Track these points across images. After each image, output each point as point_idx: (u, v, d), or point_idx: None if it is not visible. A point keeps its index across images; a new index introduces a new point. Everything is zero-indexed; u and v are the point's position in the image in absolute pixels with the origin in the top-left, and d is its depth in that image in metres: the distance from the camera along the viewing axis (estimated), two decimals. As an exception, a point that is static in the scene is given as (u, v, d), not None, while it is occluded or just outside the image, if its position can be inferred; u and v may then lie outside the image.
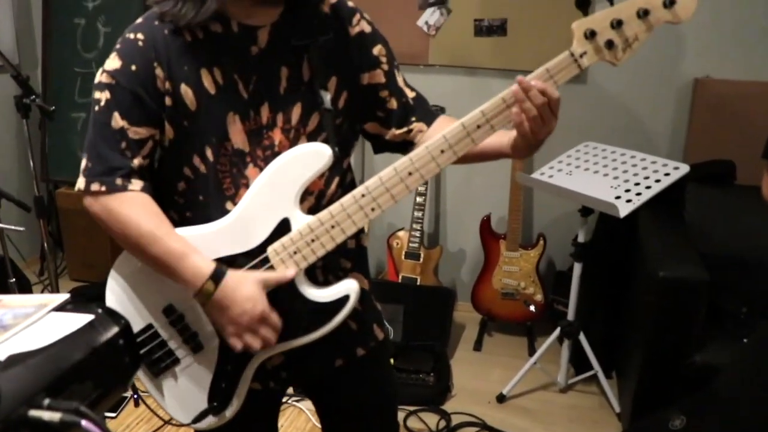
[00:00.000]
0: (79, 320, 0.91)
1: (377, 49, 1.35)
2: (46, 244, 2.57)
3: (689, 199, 2.81)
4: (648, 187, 2.41)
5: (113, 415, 2.58)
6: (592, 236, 3.08)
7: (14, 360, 0.80)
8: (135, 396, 2.62)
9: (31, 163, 2.48)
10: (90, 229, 3.55)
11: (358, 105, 1.35)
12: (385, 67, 1.36)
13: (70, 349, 0.86)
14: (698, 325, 2.29)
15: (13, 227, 2.20)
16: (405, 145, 1.42)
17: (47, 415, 0.75)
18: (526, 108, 1.15)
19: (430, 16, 3.24)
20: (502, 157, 1.32)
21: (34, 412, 0.76)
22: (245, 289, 1.18)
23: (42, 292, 3.42)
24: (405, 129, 1.40)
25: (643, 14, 1.15)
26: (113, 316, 0.94)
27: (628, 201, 2.36)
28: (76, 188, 1.25)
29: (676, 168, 2.45)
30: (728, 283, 2.60)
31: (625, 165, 2.58)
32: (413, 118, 1.39)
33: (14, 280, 2.59)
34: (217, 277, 1.18)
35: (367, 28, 1.35)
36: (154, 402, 1.34)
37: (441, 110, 3.23)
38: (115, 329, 0.92)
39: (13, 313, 0.95)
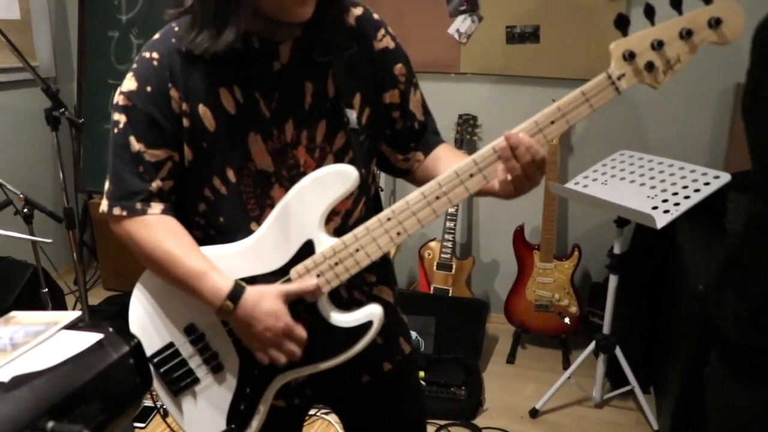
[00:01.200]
0: (88, 339, 0.89)
1: (398, 68, 1.30)
2: (75, 255, 2.58)
3: (732, 209, 2.70)
4: (687, 197, 2.32)
5: (142, 425, 2.58)
6: (629, 247, 3.00)
7: (19, 381, 0.78)
8: (163, 406, 2.62)
9: (61, 175, 2.50)
10: (123, 239, 3.58)
11: (378, 123, 1.31)
12: (402, 87, 1.31)
13: (77, 369, 0.84)
14: (741, 341, 2.19)
15: (41, 239, 2.21)
16: (403, 172, 1.40)
17: (49, 440, 0.73)
18: (510, 166, 1.12)
19: (462, 23, 3.19)
20: (490, 195, 1.26)
21: (36, 437, 0.73)
22: (266, 304, 1.16)
23: (75, 302, 3.45)
24: (403, 156, 1.37)
25: (686, 35, 1.08)
26: (124, 334, 0.91)
27: (666, 212, 2.28)
28: (100, 210, 1.24)
29: (717, 177, 2.36)
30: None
31: (663, 174, 2.50)
32: (413, 145, 1.36)
33: (46, 290, 2.61)
34: (235, 295, 1.16)
35: (391, 44, 1.29)
36: (172, 421, 1.33)
37: (473, 117, 3.18)
38: (125, 348, 0.90)
39: (25, 331, 0.93)
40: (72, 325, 0.94)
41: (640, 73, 1.11)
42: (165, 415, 2.60)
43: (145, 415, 2.63)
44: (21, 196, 2.42)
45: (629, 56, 1.10)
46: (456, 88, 3.31)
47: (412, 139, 1.36)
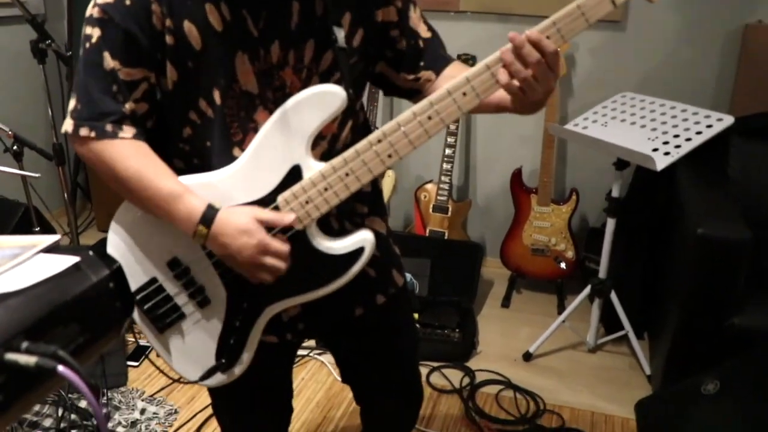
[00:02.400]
0: (66, 262, 0.86)
1: None
2: (65, 192, 2.54)
3: (734, 154, 2.65)
4: (688, 140, 2.28)
5: (135, 363, 2.59)
6: (628, 192, 2.96)
7: (-8, 300, 0.75)
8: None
9: (49, 111, 2.44)
10: (116, 180, 3.54)
11: (373, 44, 1.25)
12: (399, 3, 1.25)
13: (54, 290, 0.81)
14: (739, 287, 2.17)
15: (29, 173, 2.17)
16: (412, 93, 1.34)
17: (23, 359, 0.71)
18: (514, 70, 1.05)
19: (462, -41, 3.09)
20: (504, 111, 1.22)
21: (10, 356, 0.71)
22: (236, 221, 1.12)
23: (69, 243, 3.42)
24: (413, 76, 1.30)
25: None
26: (104, 257, 0.88)
27: (666, 153, 2.24)
28: (63, 130, 1.16)
29: (720, 120, 2.31)
30: (772, 242, 2.47)
31: (665, 116, 2.45)
32: (422, 64, 1.30)
33: (38, 228, 2.58)
34: (207, 218, 1.12)
35: None
36: (160, 362, 1.31)
37: (472, 58, 3.11)
38: (104, 272, 0.87)
39: (1, 253, 0.90)
40: (50, 249, 0.91)
41: None
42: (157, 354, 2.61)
43: (138, 353, 2.64)
44: (10, 132, 2.37)
45: None
46: (454, 27, 3.22)
47: (420, 58, 1.30)
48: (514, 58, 1.05)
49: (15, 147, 2.40)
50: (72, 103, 1.15)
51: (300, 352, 2.54)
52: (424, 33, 1.30)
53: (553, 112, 3.02)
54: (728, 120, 2.29)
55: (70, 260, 0.86)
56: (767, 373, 1.96)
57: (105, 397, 2.34)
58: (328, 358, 2.66)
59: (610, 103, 2.66)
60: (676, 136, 2.32)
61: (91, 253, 0.88)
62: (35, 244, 0.91)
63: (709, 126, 2.31)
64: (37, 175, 2.14)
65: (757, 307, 2.20)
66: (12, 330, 0.73)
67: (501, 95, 1.16)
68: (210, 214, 1.12)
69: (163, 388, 2.47)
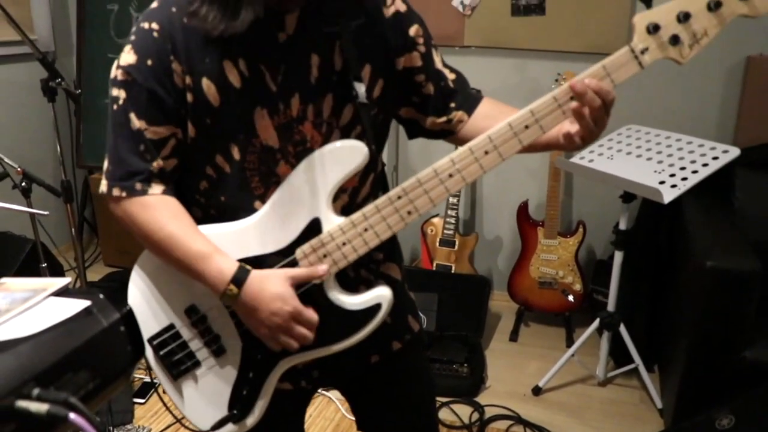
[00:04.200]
0: (77, 306, 0.86)
1: (414, 30, 1.24)
2: (73, 230, 2.55)
3: (739, 185, 2.66)
4: (694, 172, 2.28)
5: (142, 401, 2.57)
6: (635, 224, 2.96)
7: (2, 347, 0.75)
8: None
9: (58, 148, 2.46)
10: (123, 216, 3.56)
11: (395, 92, 1.25)
12: (422, 48, 1.25)
13: (65, 336, 0.81)
14: (749, 319, 2.16)
15: (37, 211, 2.18)
16: (444, 134, 1.33)
17: (34, 407, 0.70)
18: (580, 114, 1.08)
19: (466, -5, 3.13)
20: (551, 149, 1.23)
21: (21, 403, 0.71)
22: (271, 287, 1.11)
23: (76, 278, 3.43)
24: (444, 119, 1.29)
25: (715, 6, 1.04)
26: (114, 301, 0.88)
27: (673, 186, 2.24)
28: (100, 191, 1.19)
29: (725, 151, 2.32)
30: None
31: (670, 149, 2.45)
32: (453, 105, 1.29)
33: (45, 264, 2.58)
34: (239, 279, 1.12)
35: (403, 7, 1.23)
36: (169, 400, 1.29)
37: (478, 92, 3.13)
38: (115, 316, 0.86)
39: (12, 297, 0.90)
40: (61, 292, 0.91)
41: (664, 47, 1.07)
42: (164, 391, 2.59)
43: (145, 390, 2.62)
44: (19, 169, 2.38)
45: (653, 29, 1.06)
46: (459, 62, 3.20)
47: (451, 99, 1.29)
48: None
49: (24, 183, 2.41)
50: (105, 165, 1.17)
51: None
52: (450, 75, 1.30)
53: (559, 144, 3.03)
54: (734, 152, 2.30)
55: (81, 304, 0.86)
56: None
57: (111, 436, 2.32)
58: (335, 395, 2.64)
59: (615, 135, 2.68)
60: (683, 168, 2.32)
61: (101, 296, 0.88)
62: (45, 288, 0.91)
63: (715, 158, 2.31)
64: (45, 213, 2.15)
65: (766, 340, 2.18)
66: (23, 377, 0.73)
67: (547, 138, 1.17)
68: (242, 275, 1.12)
69: (169, 426, 2.45)
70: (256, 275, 1.12)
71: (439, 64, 1.28)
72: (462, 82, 1.32)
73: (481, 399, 2.67)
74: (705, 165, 2.30)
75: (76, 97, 2.33)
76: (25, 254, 2.74)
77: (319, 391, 2.65)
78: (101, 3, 3.68)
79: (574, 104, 1.07)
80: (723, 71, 2.91)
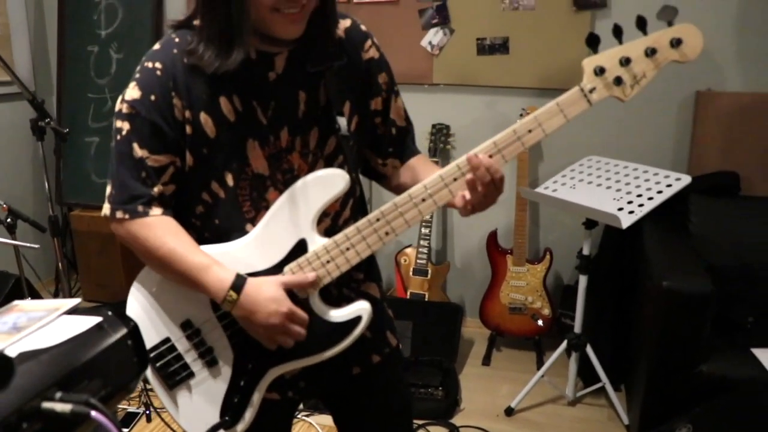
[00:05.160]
0: (89, 322, 0.95)
1: (382, 77, 1.38)
2: (60, 264, 2.62)
3: (694, 211, 2.83)
4: (650, 198, 2.44)
5: (126, 430, 2.62)
6: (599, 250, 3.11)
7: (26, 356, 0.84)
8: (147, 412, 2.66)
9: (46, 185, 2.55)
10: (103, 251, 3.62)
11: (365, 129, 1.39)
12: (384, 95, 1.39)
13: (80, 347, 0.90)
14: (704, 336, 2.30)
15: (27, 244, 2.26)
16: (380, 177, 1.48)
17: (59, 407, 0.79)
18: (473, 187, 1.22)
19: (434, 36, 3.31)
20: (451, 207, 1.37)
21: (46, 404, 0.79)
22: (266, 291, 1.22)
23: (56, 312, 3.47)
24: (382, 161, 1.45)
25: (651, 53, 1.19)
26: (122, 318, 0.98)
27: (631, 212, 2.39)
28: (102, 214, 1.29)
29: (678, 179, 2.48)
30: (735, 293, 2.61)
31: (628, 177, 2.62)
32: (390, 150, 1.44)
33: (29, 298, 2.64)
34: (237, 285, 1.22)
35: (376, 54, 1.38)
36: (168, 417, 1.37)
37: (446, 127, 3.28)
38: (123, 330, 0.96)
39: (28, 316, 0.99)
40: (72, 311, 1.00)
41: (609, 86, 1.21)
42: (149, 420, 2.65)
43: (129, 420, 2.67)
44: (4, 206, 2.46)
45: (600, 71, 1.21)
46: (429, 99, 3.41)
47: (391, 144, 1.44)
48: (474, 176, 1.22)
49: (9, 219, 2.49)
50: (108, 190, 1.28)
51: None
52: (400, 122, 1.44)
53: (524, 176, 3.18)
54: (686, 179, 2.47)
55: (93, 320, 0.96)
56: (734, 416, 2.07)
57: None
58: (317, 420, 2.72)
59: (577, 166, 2.83)
60: (639, 195, 2.48)
61: (110, 313, 0.98)
62: (58, 308, 1.01)
63: (669, 185, 2.48)
64: (36, 246, 2.23)
65: (722, 355, 2.32)
66: (46, 382, 0.82)
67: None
68: (239, 282, 1.22)
69: (153, 454, 2.50)
70: (252, 282, 1.23)
71: (393, 113, 1.42)
72: (405, 133, 1.46)
73: (456, 420, 2.76)
74: (659, 192, 2.46)
75: (64, 136, 2.42)
76: (9, 288, 2.79)
77: (301, 417, 2.72)
78: (81, 44, 3.78)
79: (468, 176, 1.22)
80: (675, 105, 3.11)
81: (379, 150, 1.44)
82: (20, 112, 3.56)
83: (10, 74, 2.34)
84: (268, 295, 1.22)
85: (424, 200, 1.24)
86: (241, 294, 1.22)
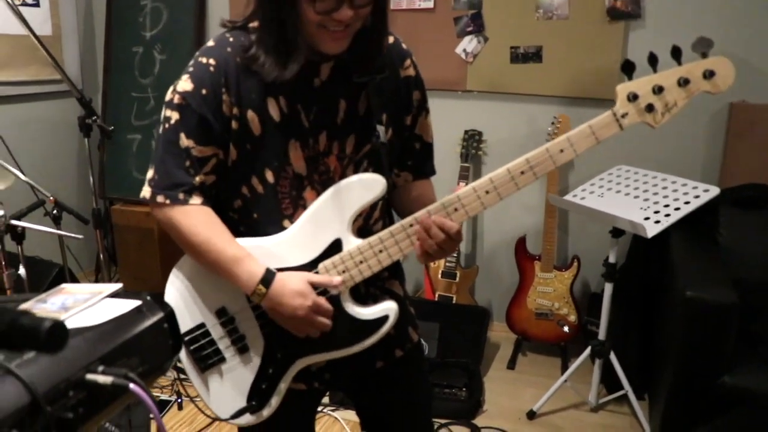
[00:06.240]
0: (129, 305, 1.04)
1: (415, 95, 1.45)
2: (101, 255, 2.74)
3: (723, 223, 2.83)
4: (677, 209, 2.45)
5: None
6: (626, 259, 3.12)
7: (73, 332, 0.92)
8: (179, 400, 2.76)
9: (91, 179, 2.66)
10: (142, 245, 3.75)
11: (397, 140, 1.45)
12: (415, 112, 1.46)
13: (120, 327, 0.98)
14: (728, 347, 2.31)
15: (71, 234, 2.37)
16: (391, 186, 1.51)
17: (101, 379, 0.87)
18: (427, 245, 1.29)
19: (468, 43, 3.36)
20: None
21: (90, 376, 0.87)
22: (293, 285, 1.28)
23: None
24: (396, 171, 1.50)
25: (684, 83, 1.24)
26: (160, 302, 1.06)
27: (657, 222, 2.41)
28: (141, 196, 1.35)
29: (706, 190, 2.49)
30: (761, 307, 2.61)
31: (656, 187, 2.63)
32: (409, 163, 1.50)
33: (71, 288, 2.76)
34: (267, 280, 1.29)
35: (413, 72, 1.44)
36: (201, 404, 1.44)
37: (479, 133, 3.33)
38: (160, 314, 1.04)
39: (74, 298, 1.08)
40: (114, 295, 1.09)
41: (642, 113, 1.26)
42: (180, 408, 2.74)
43: (161, 408, 2.77)
44: (51, 198, 2.58)
45: (633, 98, 1.25)
46: (462, 105, 3.46)
47: (410, 158, 1.50)
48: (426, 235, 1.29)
49: (55, 212, 2.61)
50: (150, 174, 1.34)
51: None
52: (426, 138, 1.51)
53: (554, 183, 3.22)
54: (714, 191, 2.48)
55: (133, 303, 1.04)
56: (755, 428, 2.07)
57: (129, 448, 2.46)
58: (341, 414, 2.78)
59: (606, 175, 2.86)
60: (666, 205, 2.50)
61: (149, 298, 1.07)
62: (102, 291, 1.09)
63: (697, 196, 2.49)
64: (80, 236, 2.34)
65: (746, 367, 2.33)
66: (90, 356, 0.90)
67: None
68: (269, 276, 1.29)
69: (183, 441, 2.60)
70: (280, 276, 1.30)
71: (419, 128, 1.48)
72: (426, 152, 1.52)
73: (478, 421, 2.81)
74: (687, 203, 2.47)
75: (109, 133, 2.54)
76: (52, 277, 2.92)
77: (326, 411, 2.80)
78: (127, 46, 3.93)
79: (417, 227, 1.29)
80: (708, 116, 3.11)
81: (398, 162, 1.50)
82: (68, 110, 3.72)
83: (60, 73, 2.47)
84: (294, 289, 1.28)
85: (456, 210, 1.30)
86: (269, 288, 1.28)
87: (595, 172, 2.90)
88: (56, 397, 0.82)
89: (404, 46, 1.44)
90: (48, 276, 2.95)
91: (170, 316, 1.05)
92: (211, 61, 1.30)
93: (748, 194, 2.87)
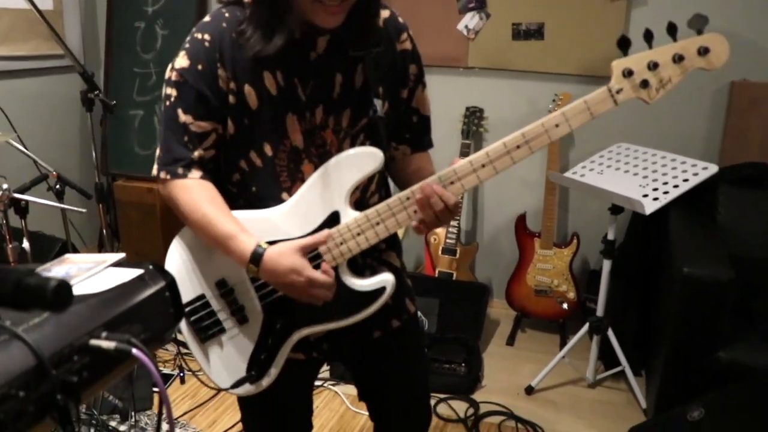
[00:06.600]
0: (131, 273, 1.06)
1: (412, 68, 1.46)
2: (104, 230, 2.76)
3: (722, 201, 2.84)
4: (676, 186, 2.47)
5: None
6: (625, 236, 3.14)
7: (78, 299, 0.94)
8: (181, 374, 2.81)
9: (93, 154, 2.68)
10: (144, 221, 3.77)
11: (393, 114, 1.46)
12: (411, 85, 1.47)
13: (123, 295, 1.00)
14: (723, 323, 2.34)
15: (74, 208, 2.39)
16: (389, 160, 1.52)
17: (105, 344, 0.89)
18: (425, 213, 1.31)
19: (470, 20, 3.35)
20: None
21: (94, 341, 0.90)
22: (285, 261, 1.29)
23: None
24: (394, 145, 1.52)
25: (678, 59, 1.25)
26: (162, 272, 1.08)
27: (655, 199, 2.43)
28: (152, 174, 1.39)
29: (705, 168, 2.50)
30: (760, 285, 2.63)
31: (656, 165, 2.64)
32: (407, 136, 1.51)
33: (75, 262, 2.79)
34: (255, 258, 1.29)
35: (410, 46, 1.45)
36: (204, 377, 1.47)
37: (480, 110, 3.33)
38: (162, 283, 1.06)
39: (78, 267, 1.10)
40: (117, 264, 1.11)
41: (636, 88, 1.27)
42: (182, 381, 2.78)
43: (163, 380, 2.81)
44: (54, 173, 2.60)
45: (628, 74, 1.26)
46: (464, 82, 3.46)
47: (408, 131, 1.51)
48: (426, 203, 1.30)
49: (58, 186, 2.63)
50: (157, 152, 1.38)
51: (315, 383, 2.71)
52: (423, 111, 1.52)
53: (555, 160, 3.23)
54: (713, 168, 2.49)
55: (136, 272, 1.06)
56: (748, 402, 2.11)
57: (133, 419, 2.51)
58: (341, 389, 2.82)
59: (606, 152, 2.87)
60: (665, 183, 2.51)
61: (151, 267, 1.09)
62: (105, 260, 1.11)
63: (695, 174, 2.50)
64: (83, 210, 2.36)
65: (741, 343, 2.36)
66: (94, 322, 0.92)
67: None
68: (257, 254, 1.29)
69: (186, 413, 2.64)
70: (270, 253, 1.29)
71: (416, 101, 1.50)
72: (423, 125, 1.54)
73: (477, 396, 2.85)
74: (685, 180, 2.49)
75: (111, 108, 2.55)
76: (55, 252, 2.95)
77: (326, 385, 2.83)
78: (129, 21, 3.91)
79: (419, 196, 1.30)
80: (709, 95, 3.11)
81: (396, 135, 1.51)
82: (70, 85, 3.72)
83: (63, 47, 2.47)
84: (287, 265, 1.28)
85: (452, 183, 1.31)
86: (260, 266, 1.29)
87: (596, 150, 2.90)
88: (61, 361, 0.84)
89: (401, 19, 1.45)
90: (51, 251, 2.97)
91: (172, 284, 1.07)
92: (207, 37, 1.32)
93: (747, 173, 2.88)
